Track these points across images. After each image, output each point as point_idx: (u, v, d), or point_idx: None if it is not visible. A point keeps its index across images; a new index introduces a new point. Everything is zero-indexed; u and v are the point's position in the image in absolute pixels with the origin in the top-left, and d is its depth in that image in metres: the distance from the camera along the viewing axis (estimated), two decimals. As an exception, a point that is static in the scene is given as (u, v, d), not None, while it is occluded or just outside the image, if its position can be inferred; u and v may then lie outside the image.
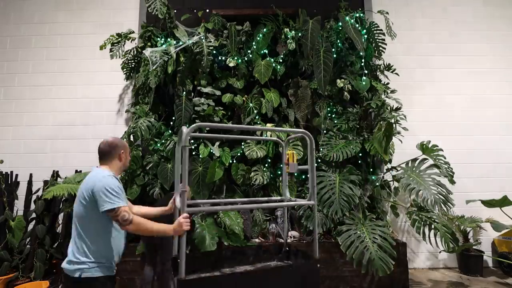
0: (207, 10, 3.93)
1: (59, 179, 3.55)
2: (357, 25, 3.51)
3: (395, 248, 2.71)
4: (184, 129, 1.59)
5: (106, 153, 1.82)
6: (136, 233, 1.67)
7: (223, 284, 1.61)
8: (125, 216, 1.58)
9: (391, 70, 3.80)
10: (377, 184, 3.39)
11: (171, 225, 1.66)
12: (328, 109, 3.57)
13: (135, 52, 3.75)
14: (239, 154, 3.43)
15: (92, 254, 1.60)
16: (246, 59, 3.66)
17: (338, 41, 3.66)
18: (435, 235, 2.77)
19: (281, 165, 3.41)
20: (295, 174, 2.78)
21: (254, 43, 3.63)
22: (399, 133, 3.50)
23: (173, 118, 3.50)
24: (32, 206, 3.35)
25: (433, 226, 2.81)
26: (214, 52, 3.59)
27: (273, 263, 2.10)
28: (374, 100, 3.47)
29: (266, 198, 2.72)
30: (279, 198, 2.52)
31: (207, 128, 3.48)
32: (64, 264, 1.61)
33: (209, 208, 1.82)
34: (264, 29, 3.63)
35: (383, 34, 3.65)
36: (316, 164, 3.42)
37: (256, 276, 1.70)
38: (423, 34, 4.21)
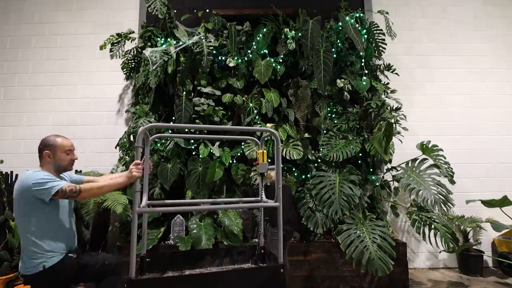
0: (207, 10, 3.93)
1: (59, 179, 3.55)
2: (357, 25, 3.51)
3: (395, 248, 2.71)
4: (141, 128, 1.61)
5: (38, 151, 1.93)
6: (96, 197, 2.11)
7: (174, 285, 1.59)
8: (72, 189, 1.71)
9: (391, 70, 3.80)
10: (377, 184, 3.39)
11: (123, 175, 1.82)
12: (328, 109, 3.57)
13: (135, 52, 3.75)
14: (239, 154, 3.44)
15: (46, 246, 1.74)
16: (246, 59, 3.66)
17: (338, 41, 3.66)
18: (435, 235, 2.77)
19: (281, 165, 3.42)
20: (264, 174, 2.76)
21: (254, 43, 3.63)
22: (399, 133, 3.50)
23: (173, 118, 3.50)
24: (32, 206, 3.35)
25: (433, 226, 2.81)
26: (214, 52, 3.59)
27: (237, 265, 2.03)
28: (374, 100, 3.47)
29: (236, 199, 2.66)
30: (253, 199, 2.39)
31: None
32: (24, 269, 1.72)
33: (165, 209, 1.82)
34: (264, 29, 3.64)
35: (383, 34, 3.65)
36: (316, 164, 3.43)
37: (211, 278, 1.64)
38: (423, 34, 4.21)
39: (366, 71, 3.57)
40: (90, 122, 3.99)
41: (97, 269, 1.86)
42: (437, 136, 3.83)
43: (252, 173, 3.34)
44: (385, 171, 3.55)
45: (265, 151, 2.07)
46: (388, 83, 3.74)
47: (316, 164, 3.43)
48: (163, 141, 3.40)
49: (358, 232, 2.80)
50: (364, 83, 3.49)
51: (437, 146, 3.47)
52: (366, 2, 4.13)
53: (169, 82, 3.63)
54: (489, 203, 3.13)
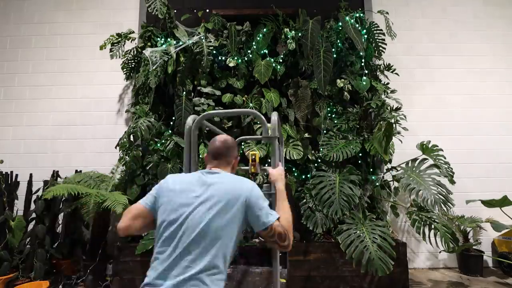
0: (207, 10, 3.93)
1: (59, 179, 3.56)
2: (357, 25, 3.51)
3: (395, 248, 2.70)
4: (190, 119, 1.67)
5: (222, 154, 1.45)
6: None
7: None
8: (281, 232, 1.25)
9: (391, 70, 3.80)
10: (377, 184, 3.39)
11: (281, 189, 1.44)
12: (328, 109, 3.57)
13: (135, 52, 3.75)
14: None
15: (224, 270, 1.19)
16: (246, 59, 3.66)
17: (338, 41, 3.66)
18: (435, 235, 2.77)
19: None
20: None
21: (254, 43, 3.63)
22: (399, 133, 3.49)
23: (173, 118, 3.50)
24: (32, 206, 3.35)
25: (433, 226, 2.81)
26: (214, 52, 3.59)
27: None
28: (374, 100, 3.46)
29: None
30: None
31: (207, 129, 3.49)
32: None
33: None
34: (264, 29, 3.63)
35: (383, 34, 3.65)
36: (316, 164, 3.43)
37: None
38: (423, 34, 4.21)
39: (366, 71, 3.57)
40: (90, 122, 3.99)
41: None
42: (437, 136, 3.83)
43: (252, 173, 3.33)
44: (385, 171, 3.55)
45: (257, 153, 2.09)
46: (388, 83, 3.74)
47: (316, 164, 3.43)
48: (163, 141, 3.40)
49: (358, 232, 2.79)
50: (364, 83, 3.49)
51: (437, 146, 3.47)
52: (366, 2, 4.12)
53: (169, 82, 3.62)
54: (489, 203, 3.13)
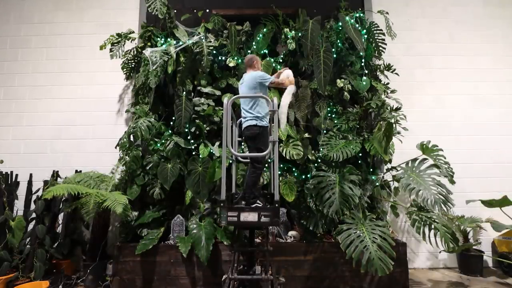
0: (207, 10, 3.93)
1: (59, 179, 3.56)
2: (357, 25, 3.51)
3: (395, 248, 2.70)
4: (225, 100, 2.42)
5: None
6: None
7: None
8: None
9: (391, 70, 3.80)
10: (377, 184, 3.39)
11: None
12: (328, 109, 3.57)
13: (135, 52, 3.75)
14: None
15: None
16: (246, 59, 3.66)
17: (338, 41, 3.66)
18: (435, 235, 2.77)
19: (281, 165, 3.42)
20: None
21: (254, 43, 3.64)
22: (399, 133, 3.49)
23: (173, 118, 3.50)
24: (32, 206, 3.35)
25: (433, 226, 2.81)
26: (214, 52, 3.59)
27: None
28: (374, 100, 3.47)
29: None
30: None
31: (207, 128, 3.50)
32: None
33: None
34: (264, 29, 3.64)
35: (383, 34, 3.65)
36: (316, 164, 3.43)
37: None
38: (423, 34, 4.21)
39: (366, 71, 3.57)
40: (90, 122, 3.99)
41: None
42: (437, 136, 3.82)
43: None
44: (385, 171, 3.55)
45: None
46: (388, 83, 3.73)
47: (316, 164, 3.43)
48: (163, 141, 3.40)
49: (358, 232, 2.79)
50: (364, 83, 3.49)
51: (437, 146, 3.47)
52: (366, 2, 4.13)
53: (169, 82, 3.63)
54: (489, 203, 3.12)
